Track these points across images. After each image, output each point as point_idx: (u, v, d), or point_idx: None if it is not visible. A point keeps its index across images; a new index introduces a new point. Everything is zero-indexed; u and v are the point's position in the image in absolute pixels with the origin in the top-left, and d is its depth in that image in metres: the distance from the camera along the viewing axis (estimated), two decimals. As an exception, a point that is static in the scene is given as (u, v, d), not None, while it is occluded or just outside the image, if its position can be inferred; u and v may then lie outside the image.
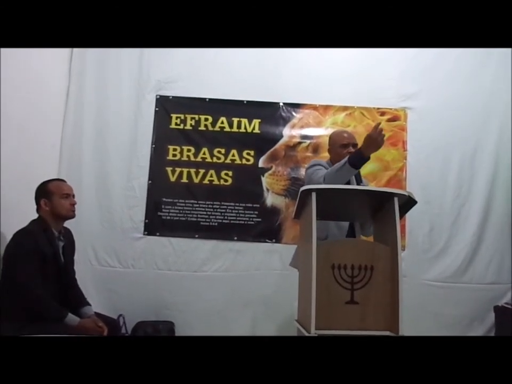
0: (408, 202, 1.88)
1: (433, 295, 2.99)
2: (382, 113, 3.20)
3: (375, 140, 1.91)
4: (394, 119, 3.19)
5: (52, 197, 2.13)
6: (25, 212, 2.17)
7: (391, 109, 3.20)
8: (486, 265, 3.03)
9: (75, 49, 3.17)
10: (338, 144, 2.31)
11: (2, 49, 2.10)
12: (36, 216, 2.14)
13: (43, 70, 2.74)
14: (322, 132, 3.17)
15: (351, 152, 2.22)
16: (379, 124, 1.95)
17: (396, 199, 1.77)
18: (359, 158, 1.97)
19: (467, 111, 3.14)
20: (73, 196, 2.23)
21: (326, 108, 3.21)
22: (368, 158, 1.99)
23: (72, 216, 2.20)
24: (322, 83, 3.19)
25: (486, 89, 3.14)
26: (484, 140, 3.12)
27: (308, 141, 3.19)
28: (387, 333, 1.72)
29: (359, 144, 2.36)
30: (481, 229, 3.06)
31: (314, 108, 3.21)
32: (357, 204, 1.97)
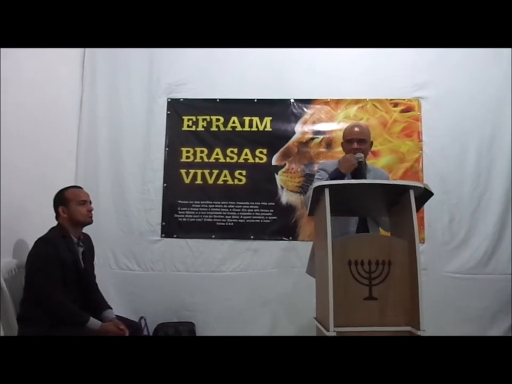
0: (424, 194, 1.85)
1: (456, 288, 2.92)
2: (395, 105, 3.14)
3: (348, 161, 2.13)
4: (408, 109, 3.13)
5: (69, 204, 2.17)
6: (45, 220, 2.23)
7: (404, 99, 3.14)
8: (510, 255, 2.94)
9: (86, 57, 3.22)
10: (344, 139, 2.32)
11: (14, 64, 2.15)
12: (55, 223, 2.19)
13: (55, 80, 2.79)
14: (334, 126, 3.13)
15: (355, 149, 2.20)
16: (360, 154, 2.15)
17: (411, 192, 1.74)
18: (336, 174, 2.13)
19: (482, 97, 3.05)
20: (90, 202, 2.26)
21: (338, 102, 3.17)
22: (345, 174, 2.13)
23: (90, 222, 2.24)
24: (333, 77, 3.15)
25: (500, 75, 3.03)
26: (501, 125, 3.01)
27: (321, 136, 3.16)
28: (408, 328, 1.70)
29: (371, 139, 2.34)
30: (503, 218, 2.97)
31: (326, 102, 3.18)
32: (371, 198, 1.94)
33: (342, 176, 2.11)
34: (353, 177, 2.13)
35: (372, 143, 2.37)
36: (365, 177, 2.10)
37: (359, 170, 2.12)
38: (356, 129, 2.30)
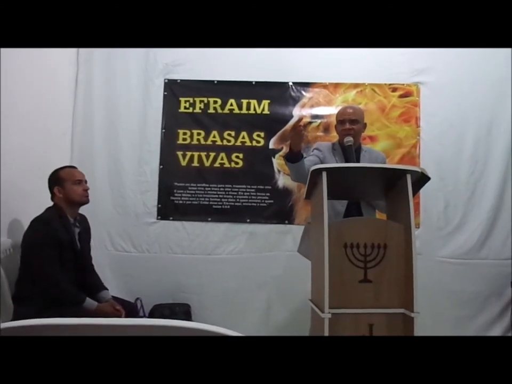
0: (421, 179, 1.85)
1: (449, 272, 2.96)
2: (394, 89, 3.12)
3: (293, 134, 1.98)
4: (406, 94, 3.11)
5: (65, 183, 2.15)
6: (40, 200, 2.21)
7: (403, 84, 3.12)
8: (503, 241, 2.97)
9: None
10: (337, 120, 2.31)
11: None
12: (50, 203, 2.18)
13: (51, 59, 2.73)
14: (332, 110, 3.09)
15: (347, 129, 2.20)
16: (301, 118, 2.06)
17: (408, 176, 1.74)
18: (289, 153, 2.05)
19: (482, 85, 3.04)
20: (86, 181, 2.25)
21: (336, 85, 3.15)
22: (298, 152, 2.03)
23: (86, 202, 2.23)
24: (332, 60, 3.12)
25: (501, 64, 3.01)
26: (499, 113, 3.01)
27: (319, 120, 3.14)
28: (401, 310, 1.72)
29: (364, 120, 2.34)
30: (498, 205, 2.99)
31: (324, 86, 3.15)
32: (368, 182, 1.94)
33: (297, 156, 2.03)
34: (346, 161, 2.14)
35: (365, 125, 2.36)
36: (353, 161, 2.10)
37: (349, 154, 2.12)
38: (349, 110, 2.30)
